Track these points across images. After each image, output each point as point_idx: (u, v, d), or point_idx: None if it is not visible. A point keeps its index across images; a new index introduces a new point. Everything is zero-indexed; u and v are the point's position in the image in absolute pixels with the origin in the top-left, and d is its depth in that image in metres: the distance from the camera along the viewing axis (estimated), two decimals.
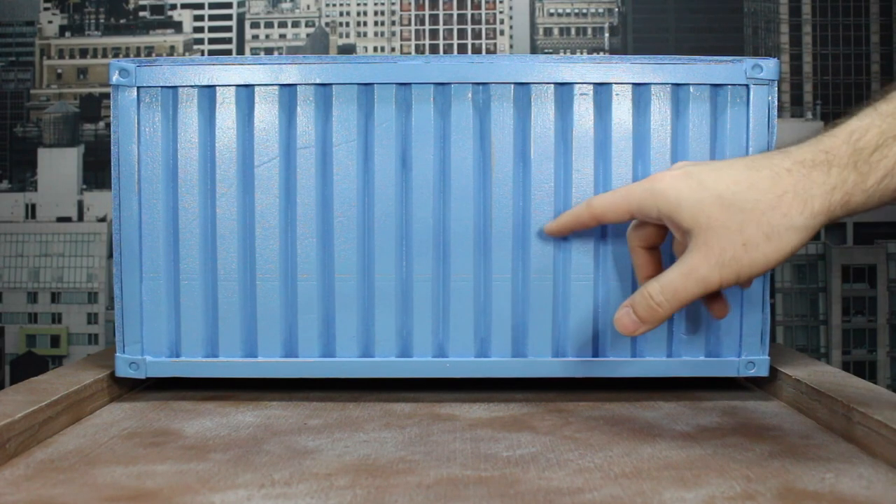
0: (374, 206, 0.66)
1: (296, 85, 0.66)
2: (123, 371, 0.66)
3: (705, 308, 0.63)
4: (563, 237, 0.66)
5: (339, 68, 0.66)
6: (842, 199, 0.51)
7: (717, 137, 0.66)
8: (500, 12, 1.91)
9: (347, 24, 1.80)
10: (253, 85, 0.66)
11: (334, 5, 1.81)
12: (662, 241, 0.61)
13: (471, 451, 0.53)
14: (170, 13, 1.82)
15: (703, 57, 0.66)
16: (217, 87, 0.66)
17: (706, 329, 0.67)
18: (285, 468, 0.50)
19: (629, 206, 0.58)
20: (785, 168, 0.52)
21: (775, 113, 0.65)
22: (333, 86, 0.66)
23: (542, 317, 0.66)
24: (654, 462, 0.51)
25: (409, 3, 1.80)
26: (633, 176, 0.66)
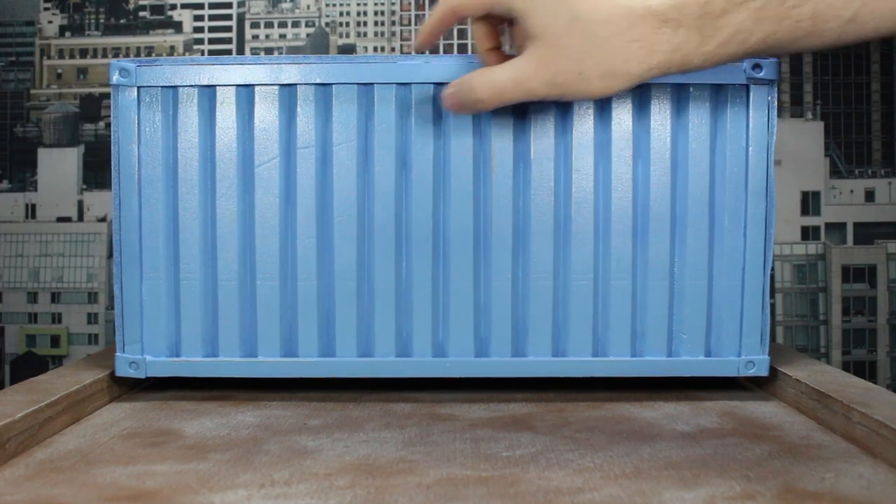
0: (373, 206, 0.66)
1: (296, 85, 0.66)
2: (123, 370, 0.66)
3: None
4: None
5: (339, 68, 0.66)
6: (681, 60, 0.53)
7: (717, 137, 0.66)
8: None
9: (347, 24, 1.80)
10: (253, 85, 0.66)
11: (334, 5, 1.81)
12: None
13: (471, 451, 0.53)
14: (170, 13, 1.82)
15: None
16: (217, 87, 0.66)
17: (706, 329, 0.67)
18: (285, 468, 0.50)
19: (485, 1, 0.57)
20: (639, 15, 0.52)
21: (775, 113, 0.65)
22: (333, 85, 0.66)
23: (542, 317, 0.66)
24: (654, 462, 0.51)
25: (409, 3, 1.80)
26: (633, 176, 0.66)
